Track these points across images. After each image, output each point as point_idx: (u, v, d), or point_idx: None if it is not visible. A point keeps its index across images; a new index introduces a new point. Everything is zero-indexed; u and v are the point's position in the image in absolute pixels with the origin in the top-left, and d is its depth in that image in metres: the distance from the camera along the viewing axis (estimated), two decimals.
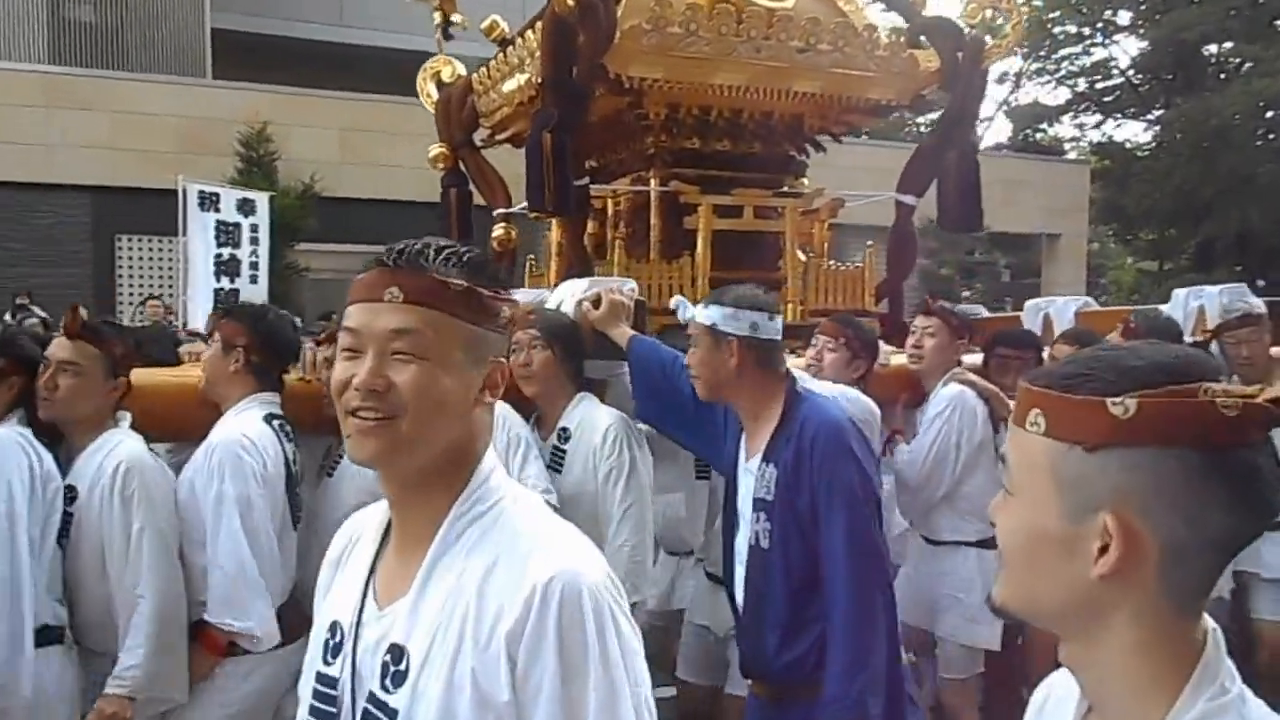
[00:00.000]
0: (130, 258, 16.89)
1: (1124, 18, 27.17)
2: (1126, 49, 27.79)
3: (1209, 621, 1.12)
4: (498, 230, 5.61)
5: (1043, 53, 28.51)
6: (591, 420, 3.46)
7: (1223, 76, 25.89)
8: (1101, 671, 1.12)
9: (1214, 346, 4.80)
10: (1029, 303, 5.59)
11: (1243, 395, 1.03)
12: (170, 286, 15.89)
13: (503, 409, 3.32)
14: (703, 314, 2.95)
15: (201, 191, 11.28)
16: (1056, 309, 5.45)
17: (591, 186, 5.25)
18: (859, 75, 5.20)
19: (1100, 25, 27.39)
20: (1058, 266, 24.73)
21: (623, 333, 3.55)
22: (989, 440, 4.17)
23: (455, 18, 5.92)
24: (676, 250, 5.26)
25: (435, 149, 5.90)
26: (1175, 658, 1.08)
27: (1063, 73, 28.82)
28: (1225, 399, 1.03)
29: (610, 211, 5.72)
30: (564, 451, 3.48)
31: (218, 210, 11.39)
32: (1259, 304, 4.80)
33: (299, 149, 16.10)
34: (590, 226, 5.58)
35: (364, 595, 1.45)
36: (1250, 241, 24.70)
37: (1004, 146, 29.98)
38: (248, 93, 16.84)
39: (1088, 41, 27.97)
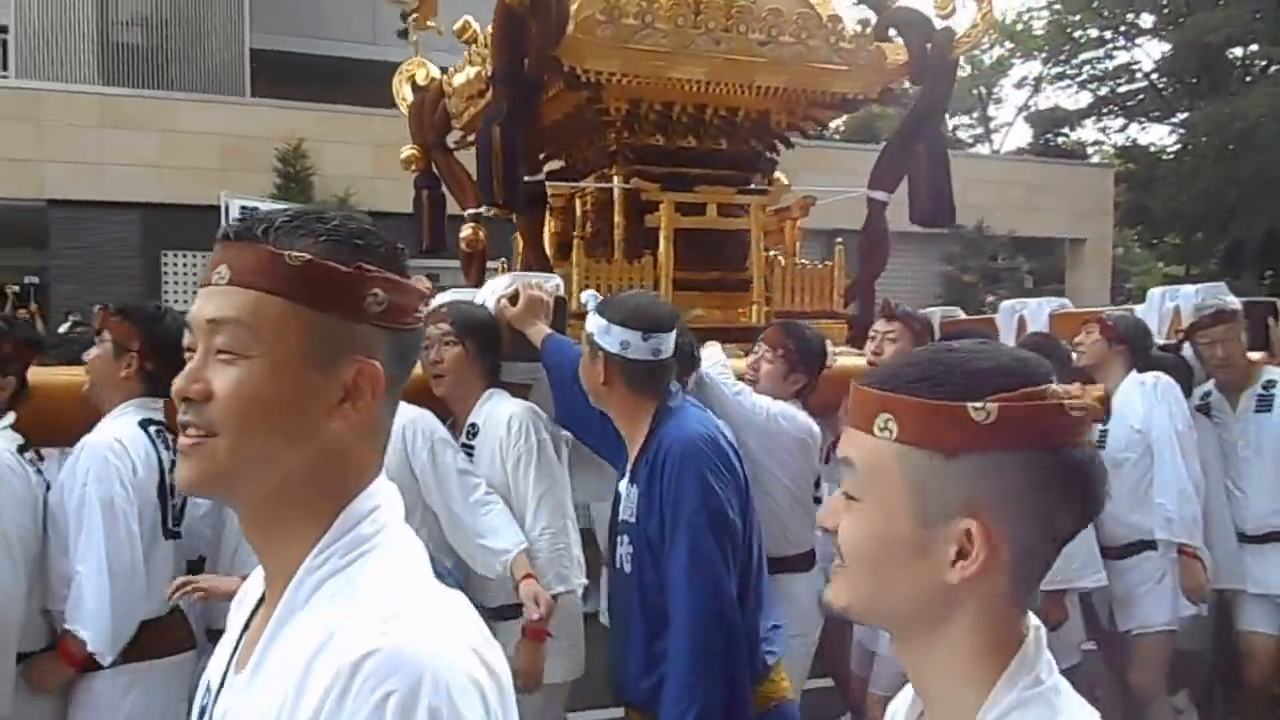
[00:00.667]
0: (176, 273, 16.91)
1: (1146, 21, 26.44)
2: (1149, 52, 27.30)
3: (1033, 619, 1.09)
4: (465, 231, 5.36)
5: (1063, 57, 27.93)
6: (497, 413, 3.19)
7: (1248, 79, 25.08)
8: (936, 668, 1.08)
9: (1188, 348, 4.49)
10: (1004, 304, 5.25)
11: (1078, 396, 1.04)
12: None
13: (413, 415, 3.09)
14: (590, 319, 2.69)
15: (242, 207, 11.17)
16: (1031, 310, 5.12)
17: (552, 184, 4.99)
18: (824, 68, 4.87)
19: (1122, 29, 26.72)
20: (1082, 271, 24.15)
21: (539, 331, 3.27)
22: None
23: (430, 22, 5.69)
24: (640, 249, 4.97)
25: (407, 151, 5.67)
26: (1003, 651, 1.05)
27: (1084, 76, 28.21)
28: (1071, 400, 1.03)
29: (579, 211, 5.46)
30: (472, 448, 3.21)
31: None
32: (1234, 302, 4.44)
33: (334, 164, 16.10)
34: (555, 225, 5.33)
35: (232, 655, 1.13)
36: (1278, 243, 23.99)
37: (1025, 151, 29.42)
38: (285, 110, 16.84)
39: (1110, 45, 27.32)
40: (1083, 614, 4.31)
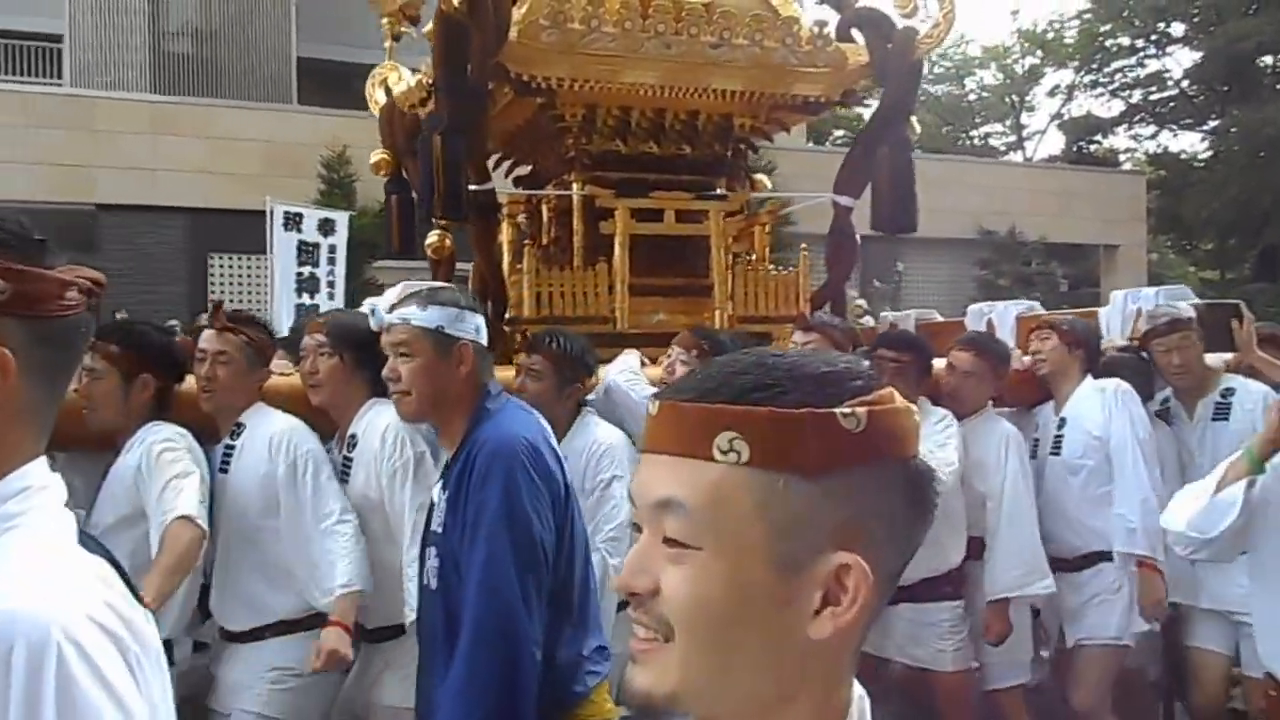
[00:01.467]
0: (222, 275, 16.99)
1: (1177, 29, 25.76)
2: (1180, 60, 26.51)
3: (857, 687, 0.88)
4: (432, 238, 5.16)
5: (1095, 65, 27.32)
6: (375, 424, 2.99)
7: (1278, 86, 24.42)
8: None
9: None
10: (972, 307, 4.96)
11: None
12: (258, 302, 16.01)
13: (283, 427, 2.96)
14: (421, 316, 2.39)
15: (286, 212, 11.20)
16: (999, 313, 4.83)
17: (504, 191, 4.79)
18: (780, 70, 4.59)
19: (1153, 37, 26.07)
20: (1116, 277, 23.57)
21: None
22: None
23: (412, 31, 5.49)
24: (597, 256, 4.75)
25: (377, 155, 5.49)
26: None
27: (1116, 84, 27.58)
28: (907, 405, 0.88)
29: (545, 217, 5.25)
30: (351, 459, 3.03)
31: (300, 230, 11.24)
32: (1188, 309, 4.15)
33: None
34: (512, 233, 5.12)
35: None
36: None
37: (1058, 158, 28.83)
38: (330, 118, 16.84)
39: (1141, 53, 26.71)
40: (1033, 630, 4.06)
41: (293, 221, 11.16)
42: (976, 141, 33.25)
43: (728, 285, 4.80)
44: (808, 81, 4.70)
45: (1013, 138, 32.88)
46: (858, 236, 5.09)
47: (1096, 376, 4.00)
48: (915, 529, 0.87)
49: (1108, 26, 26.43)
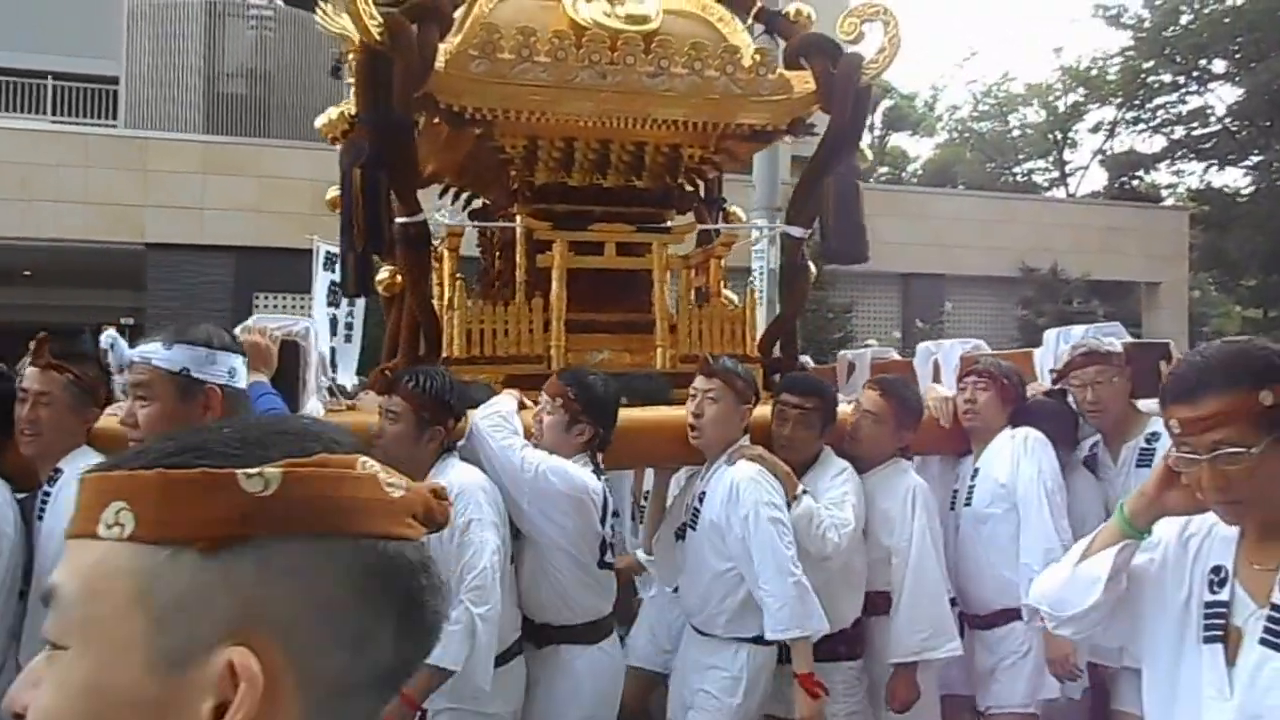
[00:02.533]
0: (266, 314, 17.03)
1: (1219, 66, 25.02)
2: (1222, 96, 25.84)
3: None
4: (383, 275, 4.94)
5: (1137, 101, 26.66)
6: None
7: None
8: None
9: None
10: (920, 346, 4.64)
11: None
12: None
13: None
14: (164, 355, 2.18)
15: (327, 252, 11.11)
16: (944, 352, 4.51)
17: (448, 224, 4.58)
18: (722, 99, 4.33)
19: (1195, 73, 25.35)
20: (1158, 315, 22.93)
21: (250, 379, 2.69)
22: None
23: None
24: (536, 290, 4.52)
25: (333, 192, 5.31)
26: None
27: (1158, 121, 26.83)
28: (391, 477, 0.71)
29: (493, 252, 5.02)
30: None
31: (333, 271, 11.16)
32: (1113, 345, 3.80)
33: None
34: (453, 265, 4.89)
35: None
36: None
37: (1100, 194, 28.16)
38: None
39: (1183, 90, 25.96)
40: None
41: (330, 261, 11.09)
42: (1019, 178, 32.62)
43: (669, 322, 4.53)
44: (752, 110, 4.43)
45: (1055, 174, 32.24)
46: (811, 268, 4.80)
47: (1016, 424, 3.69)
48: (383, 632, 0.69)
49: (1150, 63, 25.73)
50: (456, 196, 5.47)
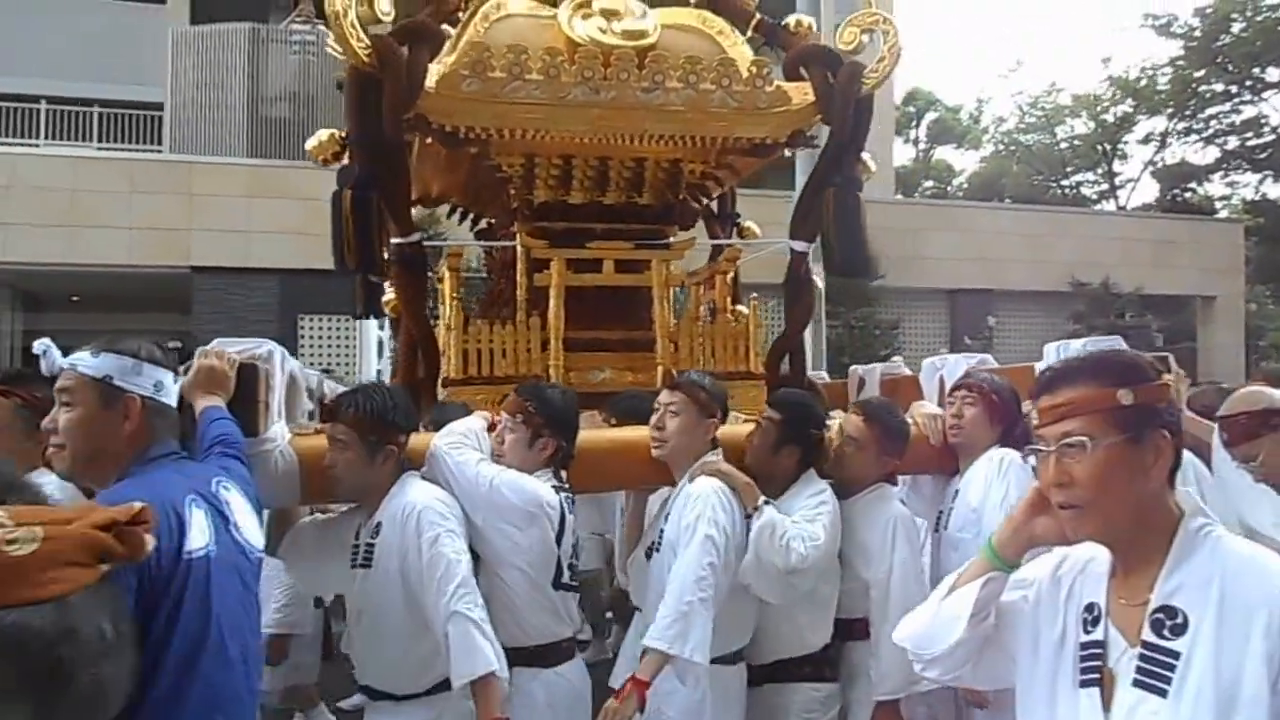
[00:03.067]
0: (310, 336, 17.20)
1: (1273, 75, 24.54)
2: (1276, 105, 25.20)
3: None
4: (390, 295, 4.94)
5: (1189, 111, 26.16)
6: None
7: None
8: None
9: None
10: (926, 361, 4.53)
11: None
12: (345, 362, 16.17)
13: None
14: (90, 363, 2.18)
15: None
16: (950, 367, 4.39)
17: (432, 244, 4.56)
18: (718, 113, 4.26)
19: (1248, 83, 24.84)
20: (1214, 329, 22.47)
21: (203, 403, 2.72)
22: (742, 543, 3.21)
23: None
24: (541, 309, 4.48)
25: None
26: None
27: (1211, 131, 26.33)
28: (10, 532, 0.63)
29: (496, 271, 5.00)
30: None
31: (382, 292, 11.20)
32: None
33: (465, 231, 16.08)
34: (456, 285, 4.85)
35: None
36: None
37: (1152, 207, 27.63)
38: None
39: (1236, 99, 25.45)
40: None
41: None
42: (1068, 191, 32.11)
43: (670, 339, 4.47)
44: (749, 123, 4.36)
45: (1105, 186, 31.69)
46: (817, 282, 4.71)
47: (1005, 443, 3.55)
48: (18, 711, 0.62)
49: (1201, 73, 25.29)
50: (464, 216, 5.46)
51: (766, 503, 3.21)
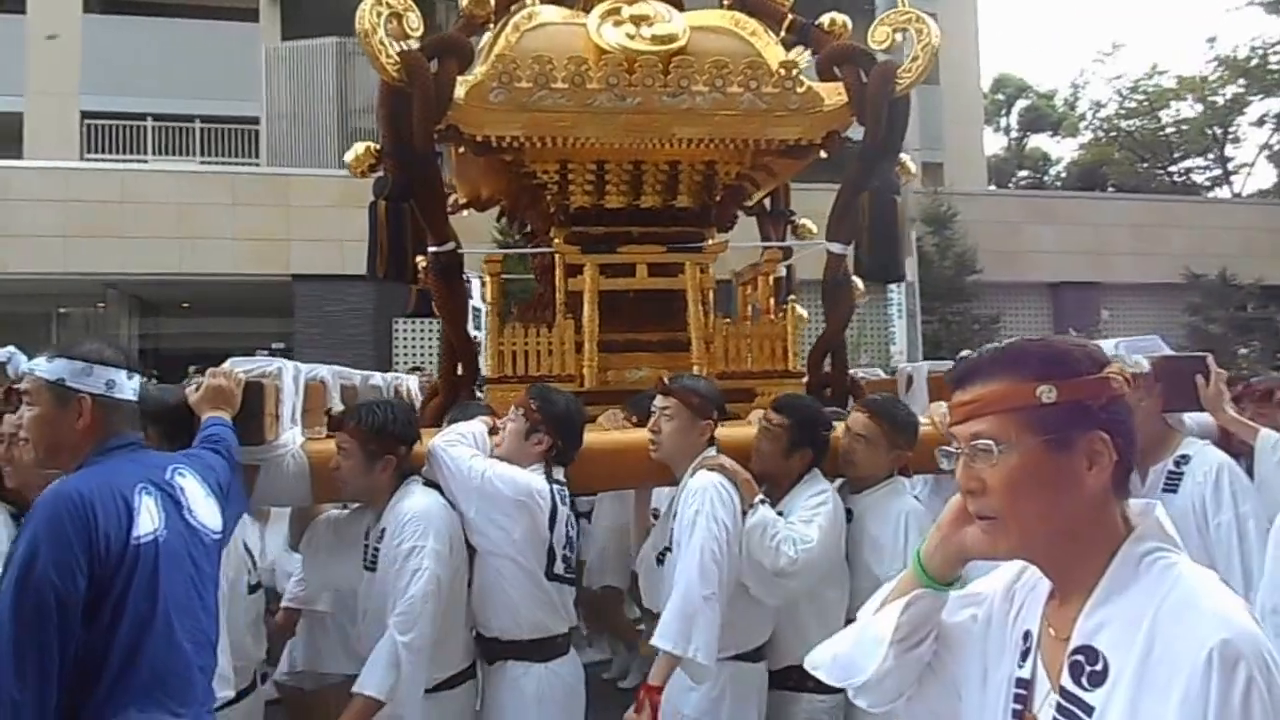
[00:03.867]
0: (405, 340, 17.65)
1: None
2: None
3: None
4: None
5: None
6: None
7: None
8: None
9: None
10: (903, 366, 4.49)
11: None
12: (434, 360, 16.57)
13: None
14: (45, 368, 2.41)
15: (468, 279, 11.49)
16: (918, 371, 4.36)
17: (487, 251, 4.66)
18: (747, 115, 4.25)
19: None
20: None
21: (207, 415, 2.98)
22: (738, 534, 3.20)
23: None
24: (578, 312, 4.53)
25: None
26: None
27: None
28: None
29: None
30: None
31: (470, 296, 11.55)
32: (1142, 363, 3.57)
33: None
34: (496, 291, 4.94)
35: None
36: None
37: (1269, 193, 26.43)
38: None
39: None
40: None
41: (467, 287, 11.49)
42: (1177, 178, 30.87)
43: (704, 340, 4.49)
44: (780, 124, 4.34)
45: (1218, 172, 30.41)
46: (857, 283, 4.67)
47: None
48: None
49: None
50: (512, 220, 5.57)
51: (763, 501, 3.22)
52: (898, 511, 3.37)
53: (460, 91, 4.14)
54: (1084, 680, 1.39)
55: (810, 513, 3.25)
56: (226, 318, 18.88)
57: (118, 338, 18.82)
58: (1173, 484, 3.36)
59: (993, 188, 27.35)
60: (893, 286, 16.56)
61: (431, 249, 4.31)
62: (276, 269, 17.06)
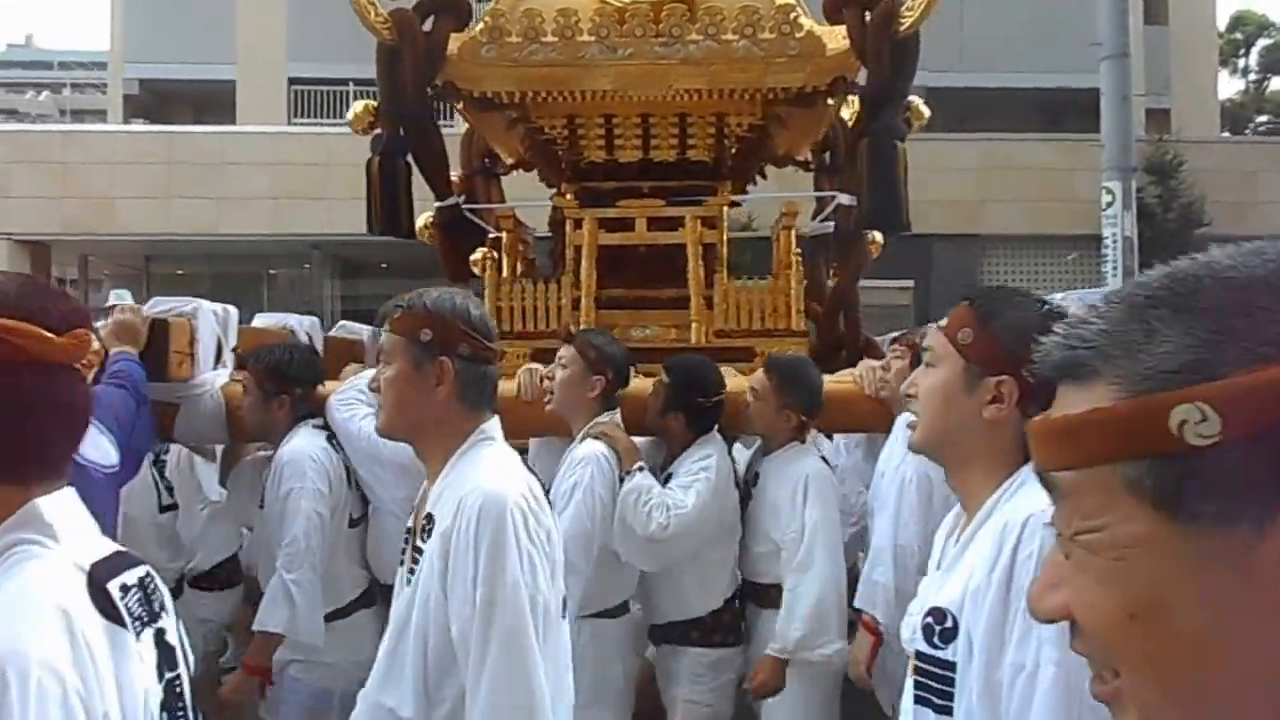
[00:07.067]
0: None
1: None
2: None
3: None
4: (477, 255, 5.13)
5: None
6: None
7: None
8: None
9: None
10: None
11: None
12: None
13: None
14: None
15: None
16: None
17: (469, 207, 4.71)
18: (744, 63, 4.09)
19: None
20: None
21: (115, 349, 3.04)
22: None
23: None
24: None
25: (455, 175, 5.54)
26: None
27: None
28: None
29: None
30: None
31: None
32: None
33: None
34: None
35: None
36: None
37: None
38: None
39: None
40: None
41: None
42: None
43: (704, 297, 4.39)
44: (781, 71, 4.15)
45: None
46: (873, 236, 4.45)
47: None
48: None
49: None
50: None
51: (640, 469, 3.14)
52: (798, 475, 3.23)
53: (453, 48, 4.18)
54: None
55: (691, 478, 3.16)
56: (419, 279, 19.45)
57: (321, 298, 19.97)
58: None
59: (1227, 134, 25.17)
60: (1107, 240, 15.53)
61: (437, 205, 4.39)
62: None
